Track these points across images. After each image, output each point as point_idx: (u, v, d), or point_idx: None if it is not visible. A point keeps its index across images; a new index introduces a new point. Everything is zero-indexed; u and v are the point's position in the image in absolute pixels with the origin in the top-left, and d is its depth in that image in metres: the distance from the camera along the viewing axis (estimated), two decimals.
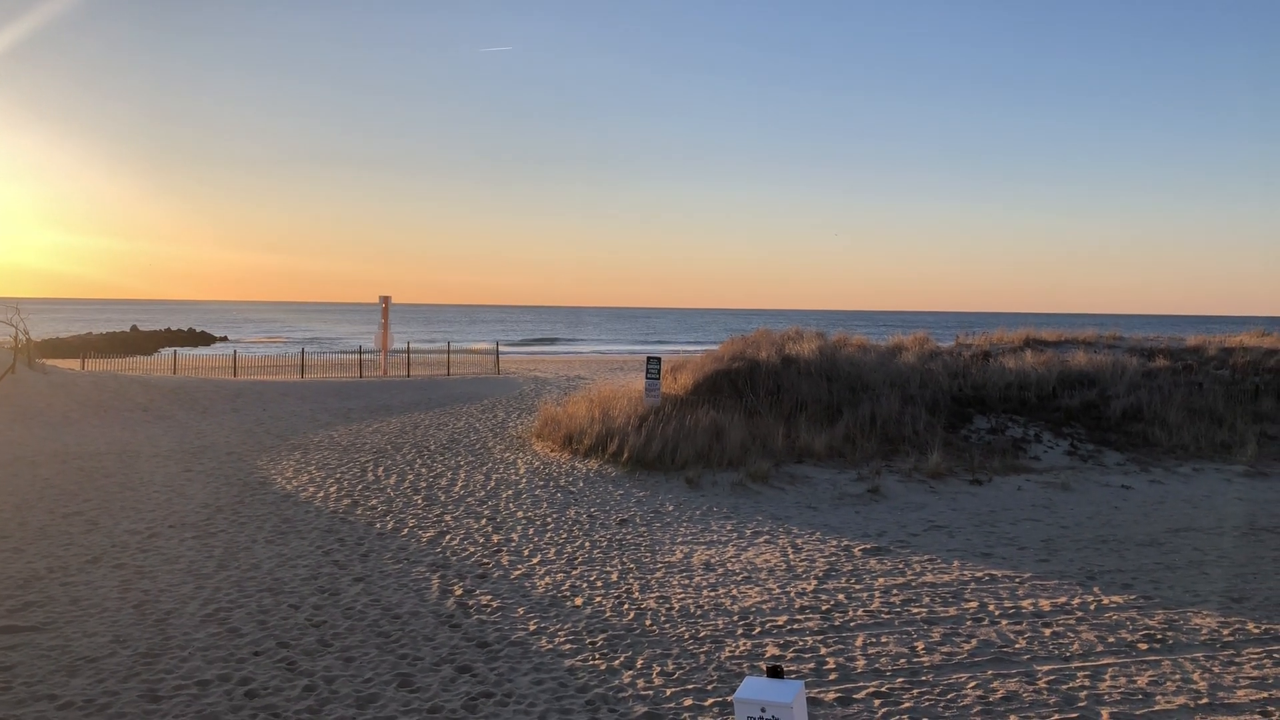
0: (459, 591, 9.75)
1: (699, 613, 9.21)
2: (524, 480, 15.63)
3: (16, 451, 17.24)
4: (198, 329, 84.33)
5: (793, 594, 9.84)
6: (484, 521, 12.86)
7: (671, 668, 7.77)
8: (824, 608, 9.40)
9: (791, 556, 11.38)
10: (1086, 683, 7.53)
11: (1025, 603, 9.66)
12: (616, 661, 7.89)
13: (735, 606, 9.41)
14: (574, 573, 10.53)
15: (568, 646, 8.22)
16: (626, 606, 9.37)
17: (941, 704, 7.09)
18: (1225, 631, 8.81)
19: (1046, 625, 8.95)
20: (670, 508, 13.84)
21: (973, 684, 7.48)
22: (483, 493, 14.67)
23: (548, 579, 10.28)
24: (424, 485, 15.18)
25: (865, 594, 9.89)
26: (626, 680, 7.50)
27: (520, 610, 9.19)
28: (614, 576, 10.42)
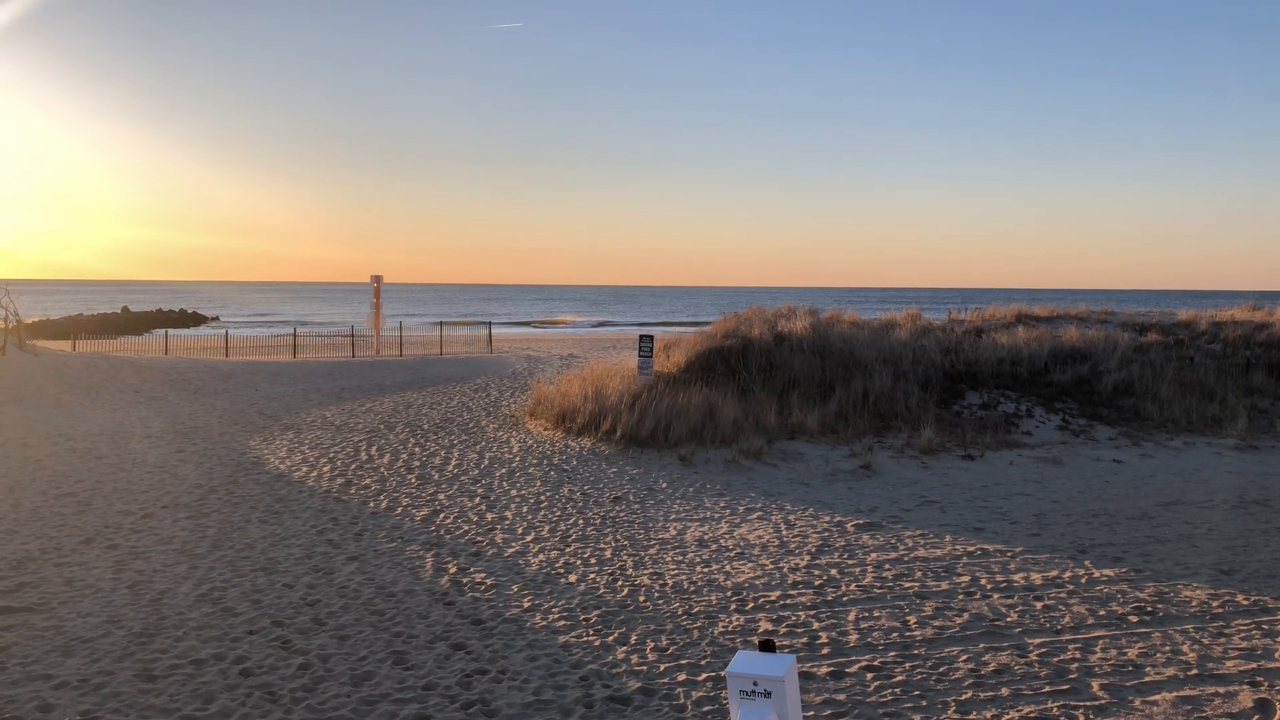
0: (453, 569, 9.77)
1: (692, 589, 9.25)
2: (517, 459, 15.64)
3: (8, 433, 17.18)
4: (189, 310, 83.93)
5: (785, 569, 9.89)
6: (478, 500, 12.87)
7: (665, 643, 7.81)
8: (816, 583, 9.44)
9: (784, 532, 11.42)
10: (1077, 655, 7.59)
11: (1017, 577, 9.71)
12: (610, 637, 7.93)
13: (728, 582, 9.45)
14: (568, 550, 10.56)
15: (562, 623, 8.25)
16: (620, 583, 9.40)
17: (933, 677, 7.14)
18: (1215, 603, 8.88)
19: (1038, 599, 9.01)
20: (663, 485, 13.87)
21: (964, 657, 7.54)
22: (476, 471, 14.68)
23: (541, 556, 10.30)
24: (417, 464, 15.18)
25: (858, 569, 9.94)
26: (620, 656, 7.53)
27: (514, 588, 9.22)
28: (608, 553, 10.45)
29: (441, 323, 45.91)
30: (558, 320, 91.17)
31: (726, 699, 6.58)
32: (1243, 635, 8.06)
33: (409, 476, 14.28)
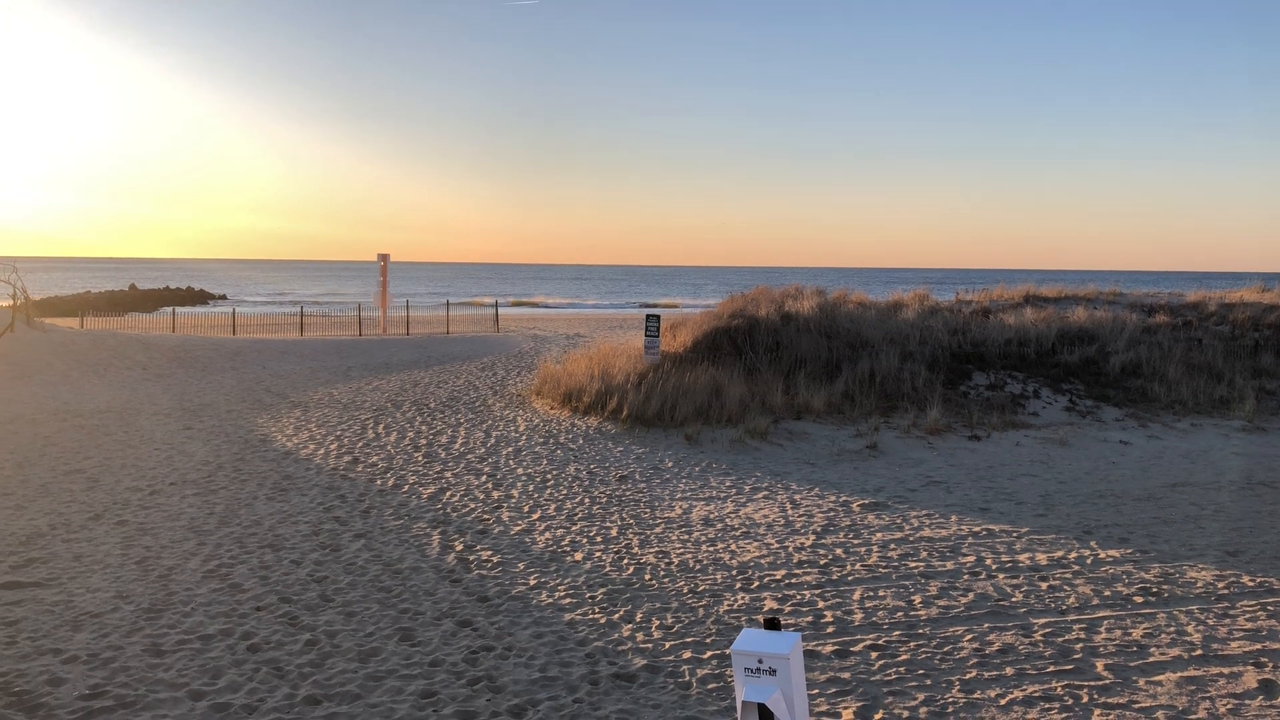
0: (459, 547, 9.80)
1: (698, 567, 9.27)
2: (524, 437, 15.67)
3: (17, 410, 17.26)
4: (196, 288, 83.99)
5: (791, 549, 9.90)
6: (484, 478, 12.90)
7: (670, 621, 7.84)
8: (822, 562, 9.45)
9: (790, 512, 11.43)
10: (1082, 635, 7.59)
11: (1022, 557, 9.72)
12: (616, 615, 7.96)
13: (734, 561, 9.47)
14: (574, 528, 10.59)
15: (567, 601, 8.28)
16: (626, 561, 9.43)
17: (938, 657, 7.16)
18: (1220, 584, 8.88)
19: (1043, 579, 9.01)
20: (669, 464, 13.88)
21: (969, 637, 7.55)
22: (483, 450, 14.71)
23: (548, 534, 10.33)
24: (424, 442, 15.21)
25: (863, 549, 9.95)
26: (626, 634, 7.56)
27: (520, 565, 9.25)
28: (613, 532, 10.48)
29: (448, 302, 45.91)
30: (552, 300, 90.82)
31: (731, 676, 6.61)
32: (1248, 616, 8.06)
33: (416, 454, 14.32)
